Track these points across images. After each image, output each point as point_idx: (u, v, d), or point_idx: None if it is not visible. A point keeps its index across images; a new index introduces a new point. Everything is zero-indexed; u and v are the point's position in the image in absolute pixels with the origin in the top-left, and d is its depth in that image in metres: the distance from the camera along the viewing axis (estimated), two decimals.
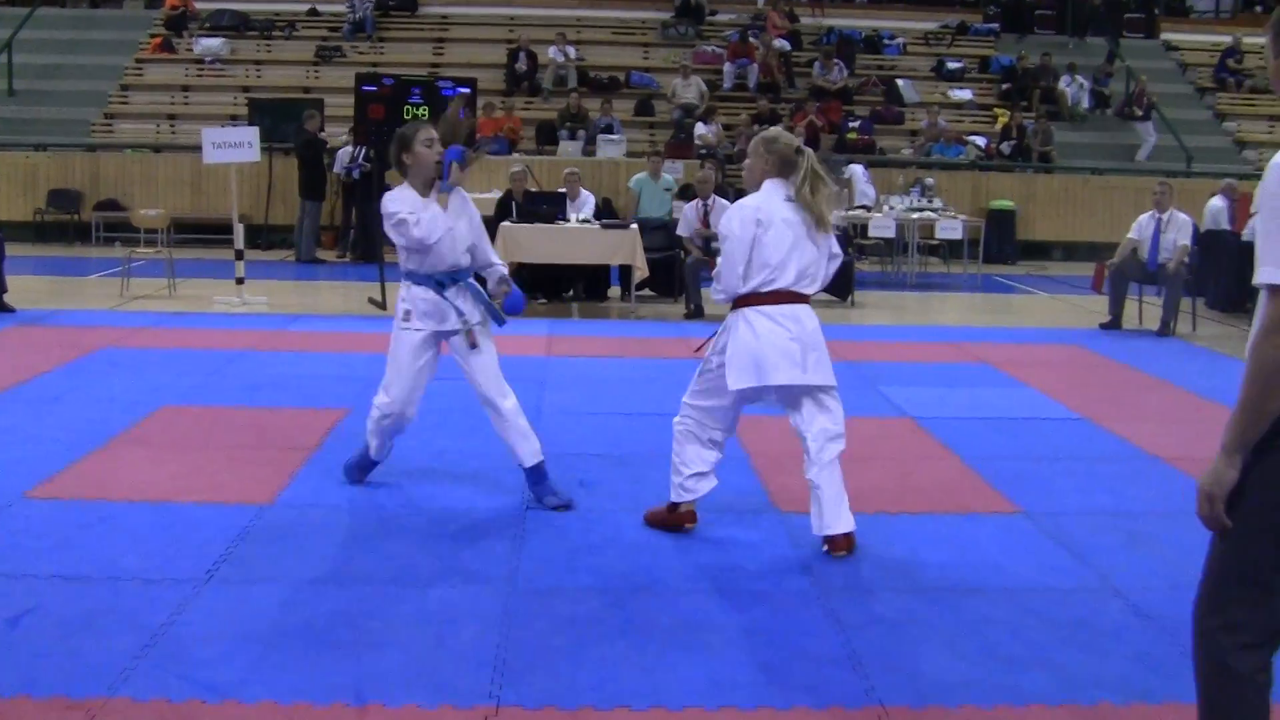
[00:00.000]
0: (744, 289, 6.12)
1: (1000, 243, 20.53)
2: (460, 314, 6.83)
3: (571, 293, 15.17)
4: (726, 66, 24.40)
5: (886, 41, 26.00)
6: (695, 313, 14.01)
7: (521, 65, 23.98)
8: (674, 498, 6.47)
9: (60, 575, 5.67)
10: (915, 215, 17.99)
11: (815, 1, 27.52)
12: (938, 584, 5.81)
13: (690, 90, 23.19)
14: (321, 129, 19.43)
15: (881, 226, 17.84)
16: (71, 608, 5.29)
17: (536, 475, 6.93)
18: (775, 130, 6.53)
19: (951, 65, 25.18)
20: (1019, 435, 8.81)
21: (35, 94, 23.82)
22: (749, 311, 6.14)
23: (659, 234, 15.51)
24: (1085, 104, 24.41)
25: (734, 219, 6.11)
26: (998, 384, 10.63)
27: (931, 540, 6.45)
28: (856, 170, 19.62)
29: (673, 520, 6.51)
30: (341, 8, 25.75)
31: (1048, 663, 4.94)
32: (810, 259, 6.16)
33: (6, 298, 13.22)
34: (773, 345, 6.08)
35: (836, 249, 6.36)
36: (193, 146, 18.45)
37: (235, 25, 25.50)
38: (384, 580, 5.71)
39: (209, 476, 7.23)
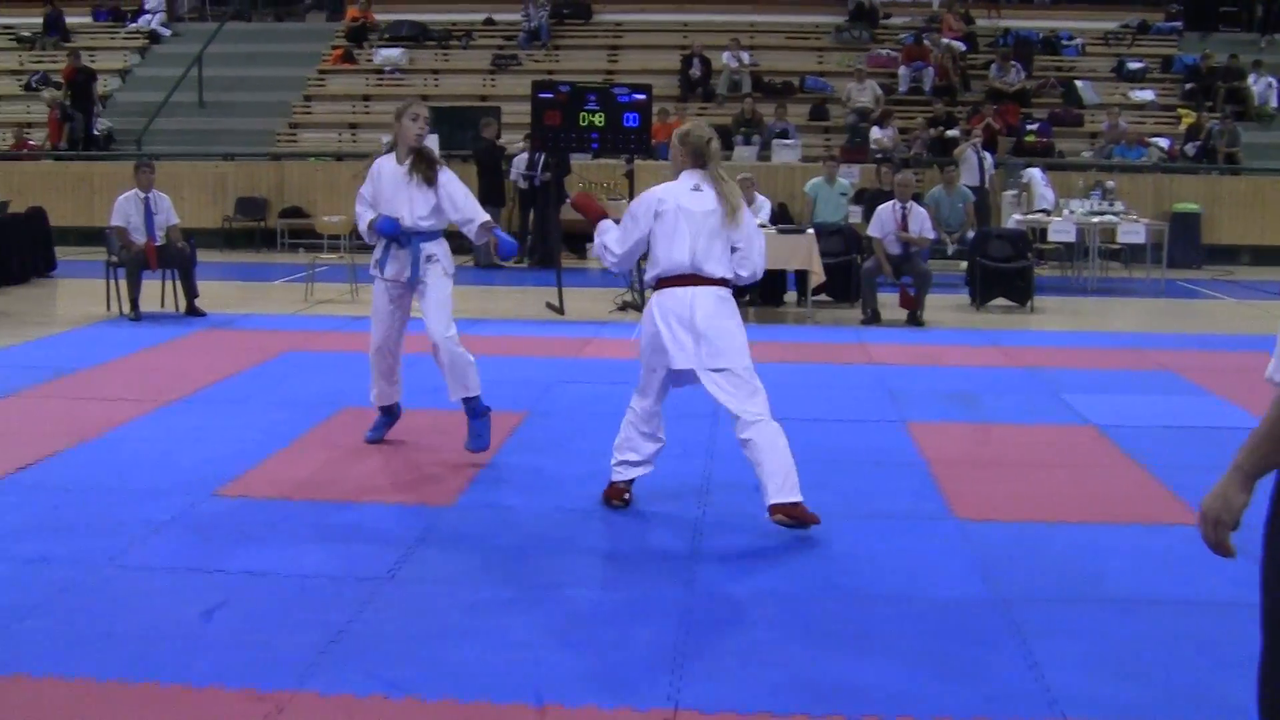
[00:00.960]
0: (650, 275, 6.65)
1: (1185, 247, 20.00)
2: (400, 267, 7.83)
3: (747, 298, 15.13)
4: (901, 70, 24.18)
5: (1065, 42, 25.52)
6: (872, 318, 13.90)
7: (695, 71, 24.03)
8: (612, 476, 6.93)
9: (248, 571, 5.82)
10: (1096, 219, 17.62)
11: (991, 3, 27.14)
12: (1121, 595, 5.68)
13: (865, 94, 23.04)
14: (499, 136, 19.68)
15: (1061, 231, 17.52)
16: (260, 603, 5.44)
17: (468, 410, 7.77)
18: (690, 124, 6.91)
19: (1133, 65, 24.61)
20: (1205, 444, 8.57)
21: (223, 106, 24.53)
22: (654, 297, 6.64)
23: (835, 239, 15.42)
24: (1274, 103, 23.68)
25: (640, 204, 6.63)
26: (1182, 391, 10.38)
27: (1114, 550, 6.31)
28: (1035, 174, 19.31)
29: (610, 494, 6.94)
30: (517, 16, 26.07)
31: (1234, 679, 4.79)
32: (711, 244, 6.48)
33: (198, 303, 13.62)
34: (668, 329, 6.51)
35: (741, 239, 6.60)
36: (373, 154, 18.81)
37: (414, 35, 25.97)
38: (562, 581, 5.76)
39: (390, 478, 7.36)
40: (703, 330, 6.45)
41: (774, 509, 6.35)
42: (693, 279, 6.47)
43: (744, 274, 6.67)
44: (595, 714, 4.43)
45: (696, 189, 6.53)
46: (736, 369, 6.52)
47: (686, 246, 6.45)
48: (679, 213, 6.46)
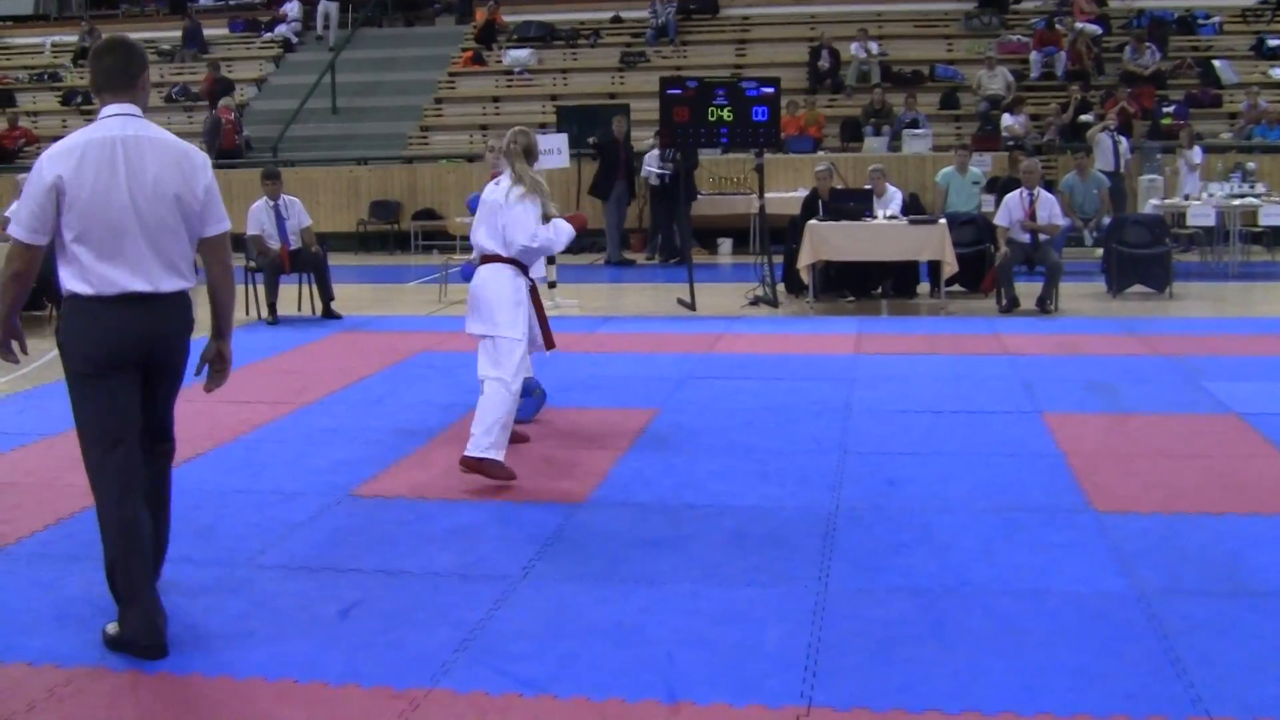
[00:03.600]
0: None
1: None
2: None
3: (880, 290, 15.02)
4: (1033, 55, 23.79)
5: (1202, 21, 24.92)
6: (1009, 306, 13.71)
7: (824, 63, 23.88)
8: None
9: (384, 570, 5.90)
10: (1236, 202, 17.21)
11: None
12: (1268, 589, 5.53)
13: (996, 81, 22.73)
14: (628, 133, 19.70)
15: (1201, 214, 17.13)
16: (395, 601, 5.50)
17: None
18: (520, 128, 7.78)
19: (1273, 42, 23.92)
20: None
21: (356, 111, 24.89)
22: None
23: (968, 228, 15.24)
24: None
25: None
26: None
27: (1258, 542, 6.15)
28: (1195, 153, 18.85)
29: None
30: (644, 14, 26.11)
31: None
32: (492, 227, 7.42)
33: (333, 305, 13.84)
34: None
35: (503, 219, 7.39)
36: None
37: (542, 35, 26.13)
38: (694, 578, 5.75)
39: (523, 476, 7.40)
40: (478, 301, 7.41)
41: (461, 460, 7.27)
42: (484, 257, 7.47)
43: (506, 251, 7.37)
44: (727, 712, 4.42)
45: (498, 183, 7.55)
46: (496, 336, 7.33)
47: (478, 230, 7.50)
48: (482, 204, 7.54)
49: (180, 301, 5.12)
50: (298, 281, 14.19)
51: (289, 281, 14.00)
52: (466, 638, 5.06)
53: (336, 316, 13.75)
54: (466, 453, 7.23)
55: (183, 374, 5.29)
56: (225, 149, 23.60)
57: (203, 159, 5.17)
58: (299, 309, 14.14)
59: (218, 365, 5.30)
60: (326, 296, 13.86)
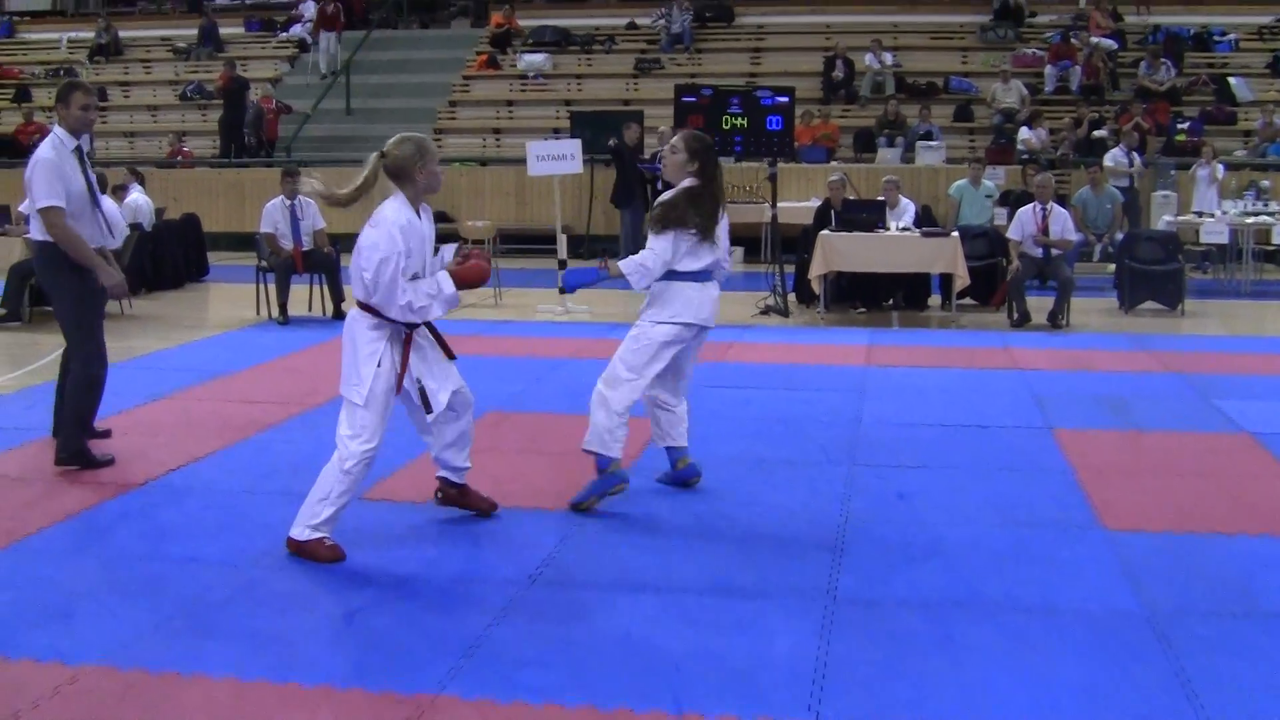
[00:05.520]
0: None
1: None
2: None
3: (891, 301, 15.00)
4: (1048, 69, 23.77)
5: (1217, 38, 24.88)
6: (1021, 320, 13.69)
7: (838, 73, 23.88)
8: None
9: (391, 574, 5.90)
10: (1250, 220, 17.18)
11: None
12: (1277, 609, 5.51)
13: (1010, 94, 22.70)
14: (640, 139, 19.68)
15: (1214, 232, 17.10)
16: (402, 606, 5.50)
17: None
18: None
19: None
20: None
21: (370, 112, 24.92)
22: None
23: (980, 241, 15.22)
24: None
25: None
26: None
27: (1270, 563, 6.13)
28: (1217, 167, 18.85)
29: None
30: (658, 20, 26.10)
31: None
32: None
33: (344, 306, 13.82)
34: None
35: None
36: (517, 159, 18.98)
37: (557, 40, 26.15)
38: (701, 589, 5.74)
39: (532, 482, 7.39)
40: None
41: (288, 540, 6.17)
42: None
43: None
44: None
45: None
46: (344, 397, 6.13)
47: None
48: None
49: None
50: (308, 282, 14.19)
51: (299, 282, 14.00)
52: (473, 644, 5.05)
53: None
54: (290, 534, 6.18)
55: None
56: (270, 139, 23.72)
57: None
58: (309, 309, 14.14)
59: None
60: (337, 297, 13.86)
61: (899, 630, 5.25)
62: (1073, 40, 24.22)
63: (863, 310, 14.65)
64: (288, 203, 13.85)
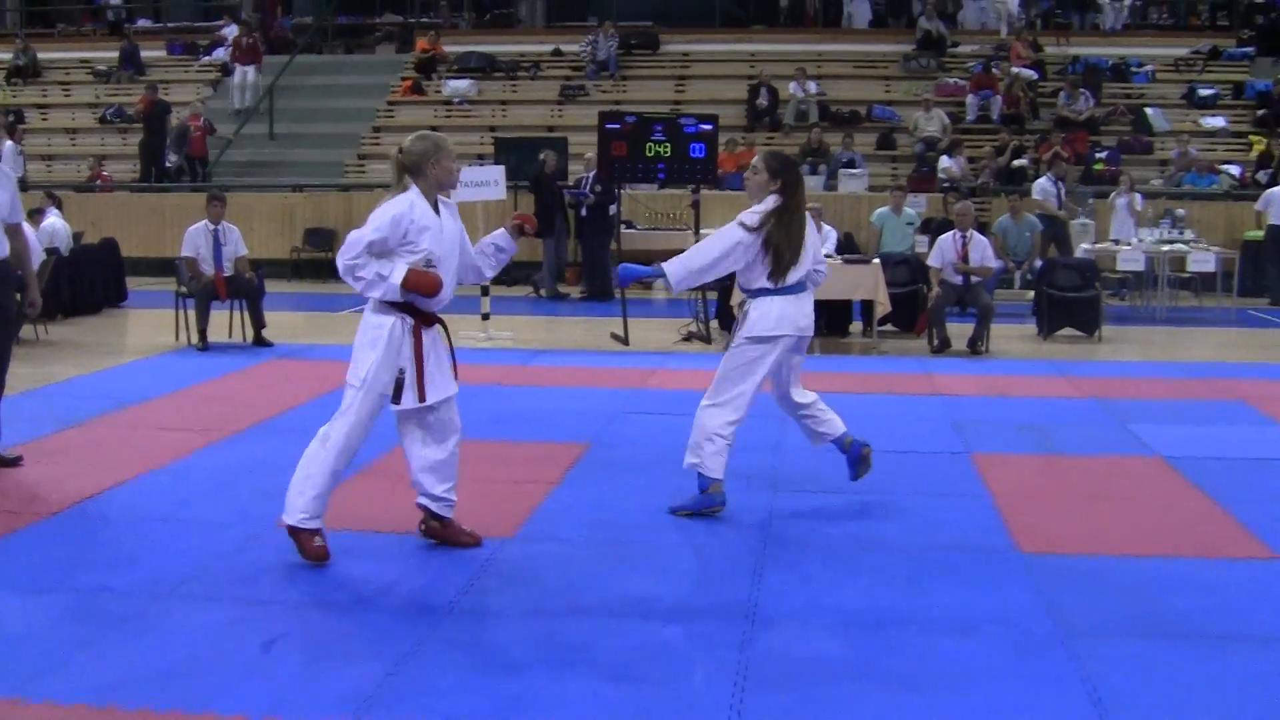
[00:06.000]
0: None
1: (1257, 276, 19.70)
2: None
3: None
4: (969, 98, 24.07)
5: (1135, 69, 25.30)
6: (941, 347, 13.80)
7: (763, 101, 24.04)
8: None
9: (310, 601, 5.86)
10: (1166, 248, 17.44)
11: (1060, 30, 27.00)
12: (1188, 630, 5.59)
13: (933, 123, 22.95)
14: (556, 166, 19.69)
15: (1131, 260, 17.35)
16: (321, 633, 5.47)
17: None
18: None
19: (1203, 92, 24.35)
20: (1275, 476, 8.46)
21: (293, 137, 24.81)
22: None
23: (902, 269, 15.35)
24: None
25: None
26: (1253, 422, 10.24)
27: (1182, 584, 6.21)
28: (1135, 197, 19.12)
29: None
30: (584, 48, 26.15)
31: None
32: None
33: (265, 332, 13.74)
34: None
35: None
36: None
37: (482, 67, 26.16)
38: (623, 614, 5.74)
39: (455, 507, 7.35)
40: None
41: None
42: None
43: None
44: None
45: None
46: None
47: None
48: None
49: None
50: (229, 308, 14.07)
51: (220, 308, 13.88)
52: (392, 671, 5.01)
53: (268, 344, 13.65)
54: (282, 518, 6.45)
55: None
56: (195, 156, 23.47)
57: None
58: (230, 336, 14.01)
59: None
60: (258, 324, 13.76)
61: (817, 654, 5.27)
62: (994, 70, 24.53)
63: None
64: (211, 227, 13.73)
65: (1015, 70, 24.27)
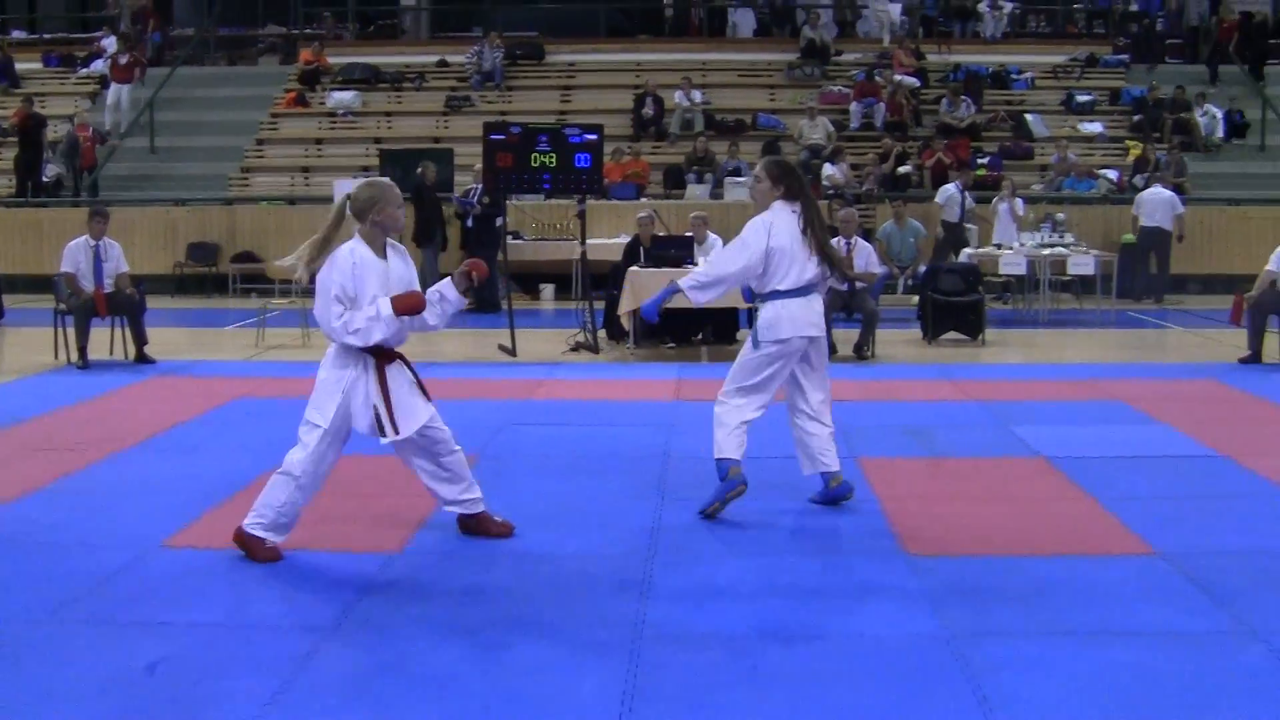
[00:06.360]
0: None
1: (1134, 277, 20.11)
2: None
3: (700, 336, 15.15)
4: (853, 106, 24.32)
5: (1015, 76, 25.73)
6: (827, 352, 13.88)
7: (648, 110, 24.12)
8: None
9: (195, 623, 5.76)
10: (1046, 251, 17.74)
11: (942, 38, 27.37)
12: (1069, 627, 5.68)
13: (817, 131, 23.15)
14: (435, 178, 19.60)
15: (1012, 264, 17.63)
16: (205, 655, 5.37)
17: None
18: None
19: (1081, 98, 24.85)
20: (1153, 474, 8.63)
21: (175, 150, 24.48)
22: None
23: None
24: (1219, 134, 23.91)
25: None
26: (1132, 421, 10.43)
27: (1063, 582, 6.31)
28: (1017, 203, 19.44)
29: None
30: (469, 58, 26.06)
31: (1184, 710, 4.81)
32: None
33: (147, 349, 13.53)
34: None
35: None
36: (326, 198, 18.80)
37: (366, 78, 25.99)
38: (510, 628, 5.71)
39: (339, 525, 7.30)
40: None
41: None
42: None
43: None
44: None
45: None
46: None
47: None
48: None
49: None
50: (110, 325, 13.84)
51: (100, 325, 13.64)
52: (278, 690, 4.95)
53: (150, 361, 13.44)
54: (240, 525, 6.69)
55: None
56: (87, 167, 23.06)
57: None
58: (110, 353, 13.78)
59: None
60: (140, 341, 13.54)
61: (704, 663, 5.28)
62: (877, 78, 24.81)
63: (672, 346, 14.77)
64: (92, 243, 13.49)
65: (898, 78, 24.58)
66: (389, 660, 5.33)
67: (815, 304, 7.52)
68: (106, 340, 13.85)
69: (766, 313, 7.45)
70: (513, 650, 5.44)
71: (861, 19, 28.11)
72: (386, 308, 6.43)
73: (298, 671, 5.16)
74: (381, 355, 6.58)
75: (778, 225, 7.39)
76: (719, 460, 7.48)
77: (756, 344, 7.47)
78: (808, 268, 7.41)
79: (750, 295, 7.65)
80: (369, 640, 5.58)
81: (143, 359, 13.48)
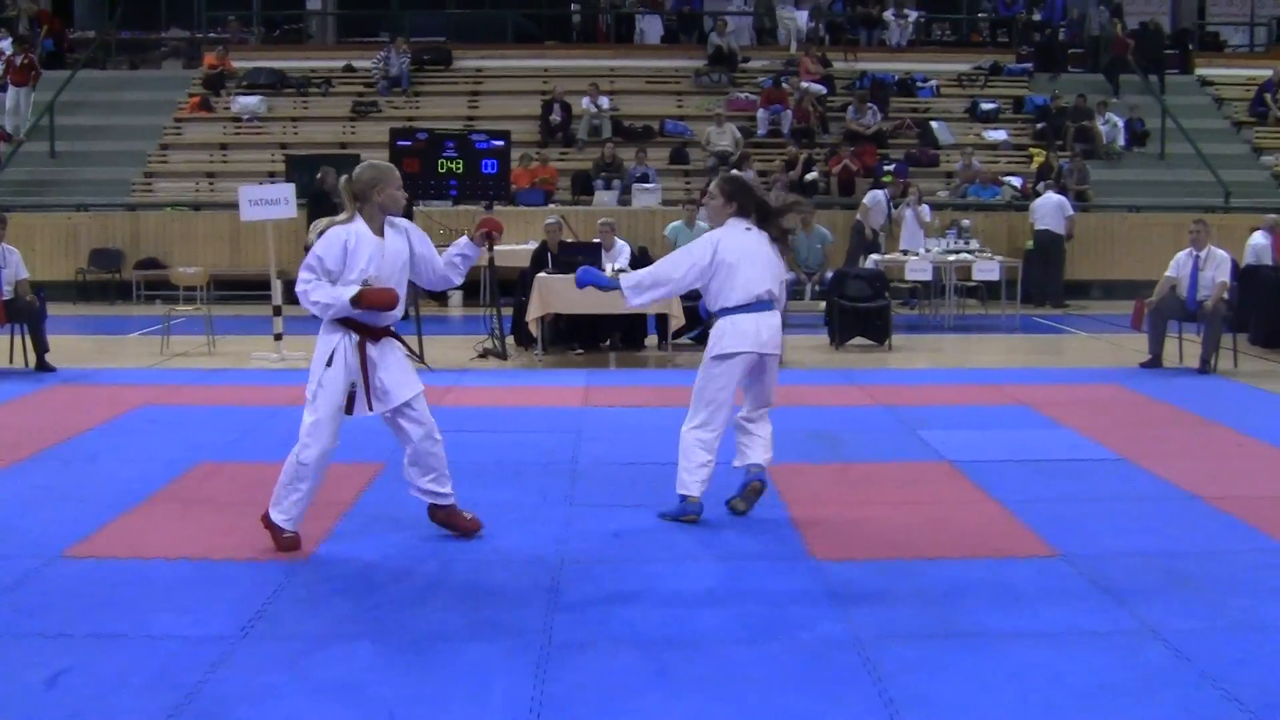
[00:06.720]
0: None
1: (1037, 283, 20.35)
2: None
3: (608, 342, 15.17)
4: (760, 113, 24.44)
5: (920, 84, 25.98)
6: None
7: (556, 116, 24.10)
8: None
9: (97, 634, 5.69)
10: (952, 257, 17.94)
11: (848, 46, 27.59)
12: (975, 630, 5.75)
13: (724, 137, 23.24)
14: (334, 184, 19.45)
15: (918, 269, 17.81)
16: (108, 666, 5.31)
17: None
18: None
19: (985, 106, 25.16)
20: (1057, 477, 8.75)
21: (76, 155, 24.09)
22: None
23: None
24: (1120, 142, 24.30)
25: None
26: (1036, 425, 10.57)
27: (968, 585, 6.39)
28: (923, 209, 19.64)
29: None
30: (378, 64, 25.91)
31: (1088, 709, 4.89)
32: None
33: (48, 357, 13.33)
34: None
35: None
36: (231, 204, 18.59)
37: (272, 83, 25.74)
38: (419, 635, 5.70)
39: (246, 533, 7.22)
40: None
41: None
42: None
43: None
44: None
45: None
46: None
47: None
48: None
49: None
50: (9, 332, 13.61)
51: None
52: (183, 701, 4.91)
53: (51, 369, 13.23)
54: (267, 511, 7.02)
55: None
56: None
57: None
58: (10, 361, 13.54)
59: None
60: (40, 348, 13.33)
61: (615, 668, 5.29)
62: (784, 85, 24.94)
63: (580, 352, 14.76)
64: None
65: (805, 85, 24.72)
66: (297, 668, 5.29)
67: (769, 319, 7.58)
68: (6, 348, 13.61)
69: (716, 328, 7.59)
70: (421, 657, 5.42)
71: (777, 26, 28.23)
72: (349, 295, 6.67)
73: (203, 682, 5.11)
74: (366, 332, 6.85)
75: (726, 241, 7.48)
76: (681, 495, 7.61)
77: (708, 360, 7.60)
78: (759, 282, 7.48)
79: (706, 312, 7.76)
80: (277, 648, 5.53)
81: (43, 367, 13.27)
